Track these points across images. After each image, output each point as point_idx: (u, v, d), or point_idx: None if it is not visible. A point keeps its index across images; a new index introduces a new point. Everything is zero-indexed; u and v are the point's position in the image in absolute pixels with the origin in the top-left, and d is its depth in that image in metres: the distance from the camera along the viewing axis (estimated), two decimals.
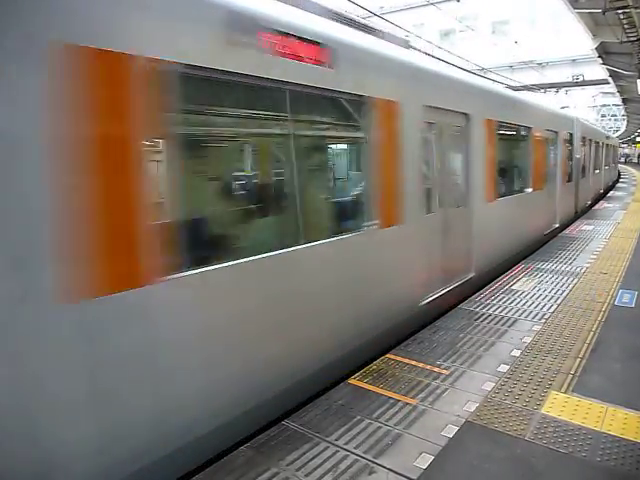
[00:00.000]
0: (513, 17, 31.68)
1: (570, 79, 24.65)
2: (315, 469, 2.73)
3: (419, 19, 31.50)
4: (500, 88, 9.58)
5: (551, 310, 5.40)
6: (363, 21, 5.33)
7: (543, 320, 5.09)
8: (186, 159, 3.03)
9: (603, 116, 41.97)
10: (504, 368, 3.97)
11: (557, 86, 24.68)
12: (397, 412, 3.33)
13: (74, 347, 2.25)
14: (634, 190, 21.83)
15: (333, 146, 5.21)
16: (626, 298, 5.74)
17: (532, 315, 5.26)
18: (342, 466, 2.76)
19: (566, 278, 6.76)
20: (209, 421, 2.90)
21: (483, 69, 15.65)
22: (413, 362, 4.12)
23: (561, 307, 5.50)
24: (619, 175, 31.93)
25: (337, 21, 4.48)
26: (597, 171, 17.73)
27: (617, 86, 22.35)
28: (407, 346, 4.48)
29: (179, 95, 2.74)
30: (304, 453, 2.87)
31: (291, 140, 3.63)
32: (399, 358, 4.20)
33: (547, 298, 5.86)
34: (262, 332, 3.25)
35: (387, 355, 4.26)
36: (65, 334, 2.20)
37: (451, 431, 3.08)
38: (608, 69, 18.32)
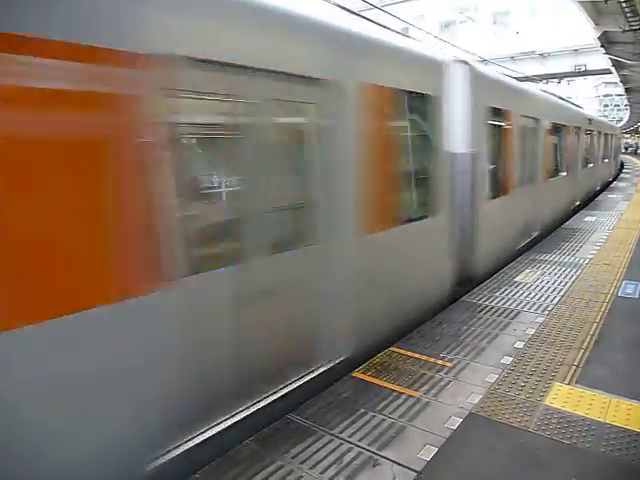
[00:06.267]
0: (514, 8, 31.42)
1: (572, 69, 24.47)
2: (319, 462, 2.75)
3: (419, 11, 31.33)
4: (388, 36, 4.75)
5: (554, 302, 5.40)
6: None
7: (546, 312, 5.09)
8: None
9: (606, 106, 41.74)
10: (507, 360, 3.98)
11: (559, 76, 24.49)
12: (401, 405, 3.34)
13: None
14: (637, 181, 21.70)
15: None
16: (629, 289, 5.74)
17: (535, 307, 5.26)
18: (346, 458, 2.77)
19: (569, 270, 6.74)
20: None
21: (484, 60, 15.53)
22: (416, 355, 4.12)
23: (564, 299, 5.49)
24: (622, 166, 31.65)
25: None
26: (591, 165, 15.68)
27: (620, 75, 22.19)
28: (410, 339, 4.48)
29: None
30: (308, 446, 2.89)
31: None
32: (402, 351, 4.21)
33: (550, 290, 5.85)
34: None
35: (390, 348, 4.27)
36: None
37: (455, 423, 3.09)
38: (611, 58, 18.16)
